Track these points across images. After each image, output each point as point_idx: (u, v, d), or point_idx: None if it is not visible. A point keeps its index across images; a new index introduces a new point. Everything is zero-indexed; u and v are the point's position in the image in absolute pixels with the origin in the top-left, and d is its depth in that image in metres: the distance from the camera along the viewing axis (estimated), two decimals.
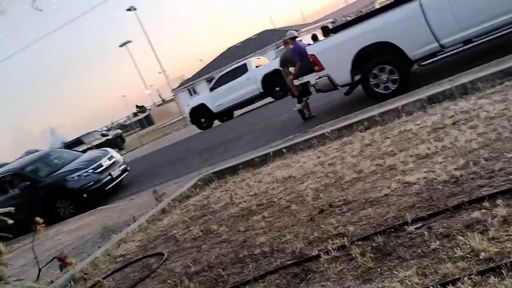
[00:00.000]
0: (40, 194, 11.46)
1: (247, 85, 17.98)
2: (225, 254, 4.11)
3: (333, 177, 4.92)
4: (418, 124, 5.51)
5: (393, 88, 8.07)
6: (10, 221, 1.52)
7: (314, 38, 10.24)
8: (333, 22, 42.73)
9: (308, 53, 8.83)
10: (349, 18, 8.30)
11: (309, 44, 9.66)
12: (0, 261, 1.33)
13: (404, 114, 6.21)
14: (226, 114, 19.20)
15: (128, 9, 42.93)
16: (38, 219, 1.45)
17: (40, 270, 1.47)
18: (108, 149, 13.69)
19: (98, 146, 26.53)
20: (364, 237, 3.27)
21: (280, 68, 10.89)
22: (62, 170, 12.16)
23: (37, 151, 22.28)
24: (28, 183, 11.75)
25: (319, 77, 8.80)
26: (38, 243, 9.16)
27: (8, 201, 11.94)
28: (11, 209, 1.59)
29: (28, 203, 11.08)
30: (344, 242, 3.27)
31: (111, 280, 4.84)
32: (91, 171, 11.76)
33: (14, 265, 7.60)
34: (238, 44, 45.75)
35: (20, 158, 24.94)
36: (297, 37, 10.17)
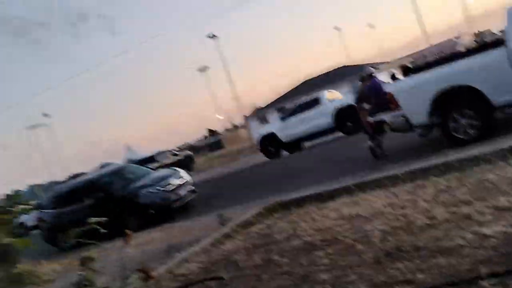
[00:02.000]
0: (111, 206, 11.92)
1: (319, 117, 17.93)
2: (285, 287, 4.07)
3: (403, 220, 4.76)
4: (498, 174, 5.24)
5: (473, 134, 7.75)
6: (103, 231, 1.63)
7: (393, 77, 10.14)
8: (412, 62, 41.99)
9: (386, 91, 8.72)
10: (430, 59, 8.18)
11: (386, 82, 9.57)
12: (91, 267, 1.43)
13: (483, 163, 5.93)
14: (295, 145, 19.19)
15: (209, 36, 44.60)
16: (127, 231, 1.54)
17: (127, 278, 1.56)
18: (178, 169, 14.06)
19: (168, 165, 27.35)
20: (433, 286, 3.13)
21: (355, 104, 10.81)
22: (134, 185, 12.64)
23: (111, 164, 23.38)
24: (102, 194, 12.30)
25: (395, 116, 8.63)
26: (105, 255, 9.52)
27: (82, 210, 12.55)
28: (103, 219, 1.70)
29: (99, 214, 11.56)
30: None
31: None
32: (160, 188, 12.12)
33: None
34: (313, 77, 46.00)
35: (95, 170, 26.27)
36: (374, 74, 10.09)
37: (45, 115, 56.72)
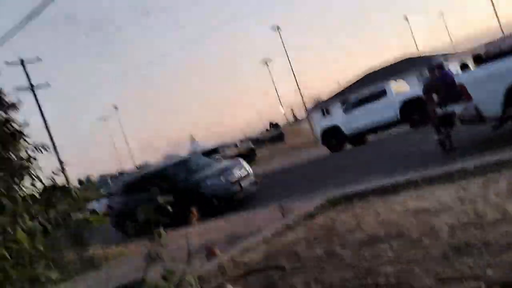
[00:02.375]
0: (176, 196, 12.22)
1: (385, 110, 17.46)
2: (348, 279, 4.02)
3: (473, 215, 4.56)
4: None
5: None
6: (170, 209, 1.70)
7: (464, 66, 9.70)
8: (485, 51, 39.98)
9: (457, 82, 8.36)
10: (504, 48, 7.71)
11: (457, 73, 9.18)
12: (160, 243, 1.50)
13: None
14: (358, 138, 18.84)
15: (273, 29, 44.59)
16: (193, 210, 1.61)
17: (189, 255, 1.63)
18: (242, 160, 14.23)
19: (231, 157, 27.77)
20: (504, 283, 2.98)
21: (423, 96, 10.43)
22: (198, 175, 12.93)
23: (176, 155, 24.08)
24: (168, 184, 12.68)
25: (466, 108, 8.27)
26: (169, 239, 9.85)
27: (148, 198, 13.04)
28: (170, 198, 1.76)
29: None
30: (480, 286, 3.02)
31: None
32: (223, 179, 12.32)
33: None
34: (377, 69, 44.91)
35: (161, 161, 27.17)
36: (443, 65, 9.70)
37: (115, 107, 59.34)
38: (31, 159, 3.92)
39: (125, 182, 15.12)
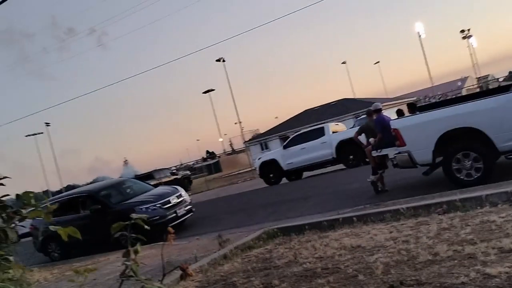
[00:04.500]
0: (108, 219, 11.83)
1: (321, 148, 18.03)
2: None
3: (406, 255, 4.77)
4: (502, 217, 5.27)
5: (475, 176, 7.83)
6: (147, 227, 1.70)
7: (400, 113, 10.26)
8: (416, 101, 42.40)
9: (392, 127, 8.82)
10: (433, 100, 8.31)
11: (392, 118, 9.67)
12: (135, 260, 1.49)
13: (488, 204, 5.98)
14: (295, 173, 19.24)
15: (218, 60, 45.11)
16: (170, 229, 1.62)
17: (164, 275, 1.62)
18: (178, 187, 14.03)
19: (166, 183, 27.32)
20: None
21: (354, 136, 10.80)
22: (132, 200, 12.60)
23: (107, 177, 23.32)
24: (99, 206, 12.24)
25: (399, 152, 8.71)
26: (100, 266, 9.46)
27: (77, 220, 12.49)
28: (146, 216, 1.76)
29: (95, 226, 11.51)
30: None
31: None
32: (158, 205, 12.08)
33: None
34: (316, 108, 46.37)
35: (91, 183, 26.15)
36: (381, 109, 10.21)
37: (47, 124, 56.65)
38: None
39: (54, 202, 14.43)
